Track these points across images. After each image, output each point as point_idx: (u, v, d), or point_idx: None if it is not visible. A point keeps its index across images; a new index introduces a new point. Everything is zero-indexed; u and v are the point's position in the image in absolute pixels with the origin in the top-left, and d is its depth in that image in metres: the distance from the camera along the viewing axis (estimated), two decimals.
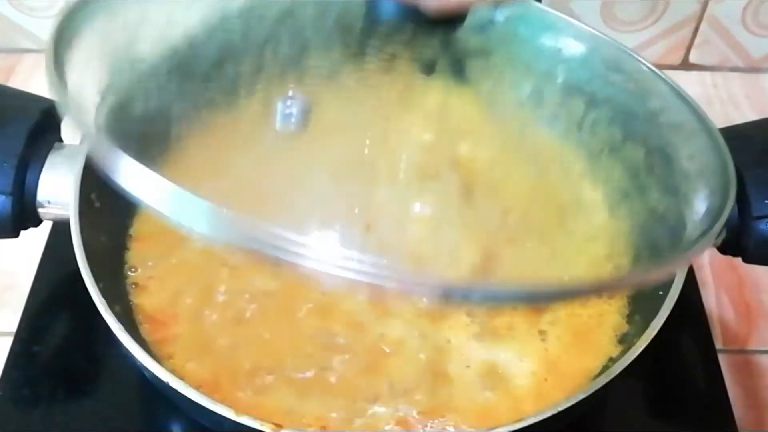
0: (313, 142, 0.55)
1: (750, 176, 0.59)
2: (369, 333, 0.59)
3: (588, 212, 0.58)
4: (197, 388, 0.49)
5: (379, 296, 0.39)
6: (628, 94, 0.58)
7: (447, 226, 0.54)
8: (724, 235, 0.60)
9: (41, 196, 0.59)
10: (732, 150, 0.61)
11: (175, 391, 0.49)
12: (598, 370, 0.57)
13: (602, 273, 0.53)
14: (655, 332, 0.52)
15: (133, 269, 0.61)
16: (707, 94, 0.95)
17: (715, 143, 0.52)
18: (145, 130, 0.47)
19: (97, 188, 0.59)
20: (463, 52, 0.57)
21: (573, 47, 0.59)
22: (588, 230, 0.57)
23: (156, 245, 0.63)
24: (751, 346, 0.73)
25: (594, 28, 0.60)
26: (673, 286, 0.54)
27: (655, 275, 0.46)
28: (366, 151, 0.56)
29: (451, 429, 0.54)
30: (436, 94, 0.58)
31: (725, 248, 0.62)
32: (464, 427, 0.54)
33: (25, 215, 0.59)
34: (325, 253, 0.36)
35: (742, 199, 0.59)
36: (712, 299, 0.76)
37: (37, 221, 0.61)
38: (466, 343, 0.59)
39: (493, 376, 0.57)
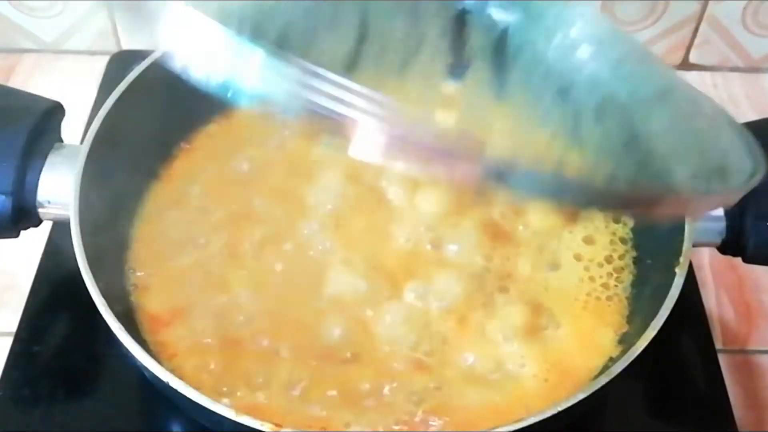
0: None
1: None
2: (371, 332, 0.59)
3: None
4: (197, 388, 0.49)
5: (424, 164, 0.39)
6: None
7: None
8: (724, 235, 0.61)
9: (41, 196, 0.59)
10: None
11: (175, 391, 0.49)
12: (598, 370, 0.57)
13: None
14: (655, 332, 0.52)
15: (133, 269, 0.61)
16: (707, 94, 0.95)
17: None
18: None
19: (97, 188, 0.58)
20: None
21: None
22: None
23: (156, 245, 0.63)
24: (751, 346, 0.73)
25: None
26: (673, 286, 0.54)
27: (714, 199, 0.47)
28: None
29: (452, 429, 0.54)
30: None
31: (725, 248, 0.62)
32: (464, 427, 0.54)
33: (25, 215, 0.59)
34: (382, 108, 0.36)
35: (742, 199, 0.59)
36: (712, 299, 0.76)
37: (37, 221, 0.61)
38: (467, 343, 0.59)
39: (493, 376, 0.57)
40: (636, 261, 0.64)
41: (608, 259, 0.64)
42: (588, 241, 0.65)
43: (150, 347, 0.56)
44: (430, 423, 0.55)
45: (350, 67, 0.53)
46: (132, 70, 0.64)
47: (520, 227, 0.65)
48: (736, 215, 0.60)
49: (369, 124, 0.36)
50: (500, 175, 0.39)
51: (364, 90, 0.35)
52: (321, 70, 0.35)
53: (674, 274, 0.55)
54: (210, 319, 0.59)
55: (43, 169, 0.59)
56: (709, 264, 0.78)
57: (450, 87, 0.60)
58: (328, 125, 0.36)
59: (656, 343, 0.52)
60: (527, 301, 0.61)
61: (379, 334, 0.59)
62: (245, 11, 0.47)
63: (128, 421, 0.61)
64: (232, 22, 0.39)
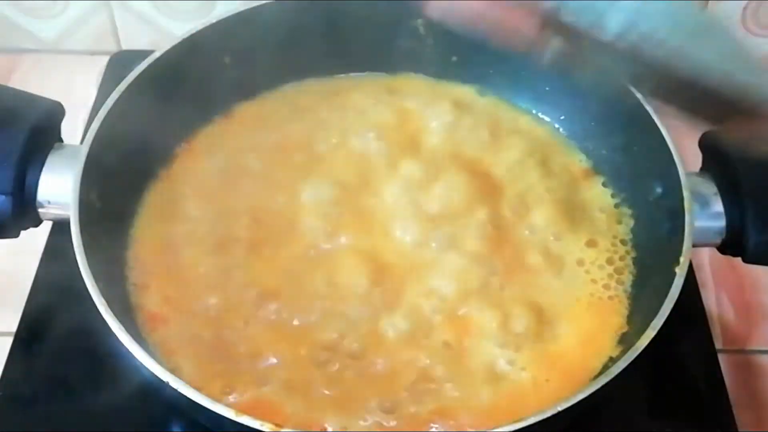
0: None
1: (749, 176, 0.59)
2: (373, 334, 0.59)
3: None
4: (197, 387, 0.49)
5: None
6: None
7: None
8: (724, 235, 0.61)
9: (41, 196, 0.59)
10: (731, 150, 0.61)
11: (175, 391, 0.49)
12: (598, 370, 0.57)
13: None
14: (655, 332, 0.52)
15: (133, 269, 0.61)
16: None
17: None
18: None
19: (97, 188, 0.58)
20: None
21: None
22: None
23: (156, 245, 0.63)
24: (751, 346, 0.73)
25: None
26: (673, 285, 0.54)
27: None
28: None
29: (453, 429, 0.54)
30: None
31: (725, 248, 0.62)
32: (465, 427, 0.54)
33: (25, 215, 0.59)
34: None
35: (741, 200, 0.59)
36: (712, 299, 0.76)
37: (37, 221, 0.61)
38: (468, 344, 0.59)
39: (494, 376, 0.57)
40: (636, 261, 0.64)
41: (610, 261, 0.64)
42: (591, 244, 0.65)
43: (150, 347, 0.56)
44: (432, 423, 0.55)
45: None
46: (132, 70, 0.64)
47: (526, 232, 0.65)
48: (736, 215, 0.60)
49: None
50: None
51: None
52: None
53: (674, 274, 0.55)
54: (210, 319, 0.59)
55: (43, 169, 0.59)
56: (709, 264, 0.78)
57: None
58: None
59: (656, 343, 0.52)
60: (529, 302, 0.61)
61: (381, 335, 0.59)
62: None
63: (128, 421, 0.61)
64: None
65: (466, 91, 0.75)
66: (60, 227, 0.65)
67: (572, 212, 0.67)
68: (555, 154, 0.71)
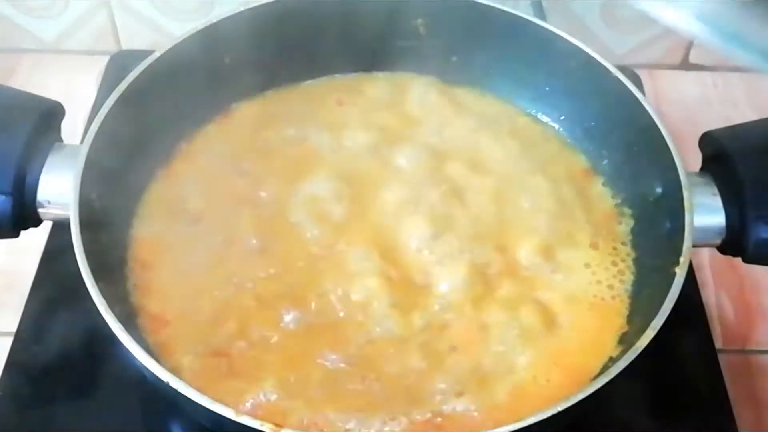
0: None
1: (749, 176, 0.59)
2: (372, 335, 0.59)
3: None
4: (197, 387, 0.49)
5: None
6: None
7: None
8: (724, 235, 0.61)
9: (41, 196, 0.59)
10: (731, 150, 0.61)
11: (175, 391, 0.49)
12: (598, 370, 0.57)
13: None
14: (655, 332, 0.52)
15: (133, 269, 0.61)
16: (707, 94, 0.95)
17: None
18: None
19: (97, 188, 0.58)
20: None
21: None
22: None
23: (156, 245, 0.63)
24: (751, 346, 0.73)
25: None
26: (674, 285, 0.54)
27: None
28: None
29: (454, 429, 0.54)
30: None
31: (725, 248, 0.62)
32: (467, 427, 0.54)
33: (25, 215, 0.59)
34: None
35: (741, 200, 0.59)
36: (712, 299, 0.76)
37: (37, 221, 0.61)
38: (470, 344, 0.59)
39: (494, 376, 0.57)
40: (636, 261, 0.64)
41: (614, 263, 0.64)
42: (592, 245, 0.65)
43: (150, 347, 0.56)
44: (433, 424, 0.55)
45: None
46: (132, 70, 0.64)
47: (527, 232, 0.65)
48: (736, 215, 0.60)
49: None
50: None
51: None
52: None
53: (674, 274, 0.55)
54: (210, 319, 0.59)
55: (43, 169, 0.59)
56: (709, 264, 0.78)
57: None
58: None
59: (656, 343, 0.52)
60: (531, 304, 0.61)
61: (384, 336, 0.59)
62: None
63: (128, 421, 0.61)
64: None
65: (465, 91, 0.75)
66: (60, 227, 0.65)
67: (572, 213, 0.67)
68: (555, 155, 0.71)
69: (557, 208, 0.66)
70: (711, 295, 0.76)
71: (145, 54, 0.65)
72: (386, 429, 0.54)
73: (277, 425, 0.47)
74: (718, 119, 0.91)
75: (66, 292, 0.67)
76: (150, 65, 0.64)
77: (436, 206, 0.65)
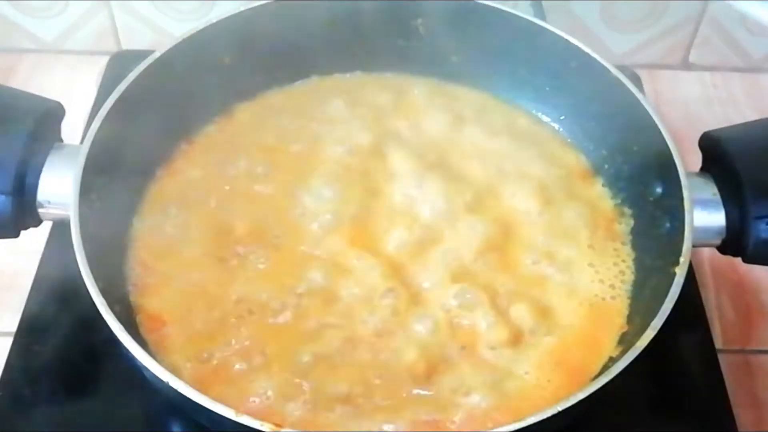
0: None
1: (749, 176, 0.59)
2: (372, 336, 0.59)
3: None
4: (197, 387, 0.49)
5: None
6: None
7: None
8: (724, 235, 0.61)
9: (41, 196, 0.59)
10: (731, 150, 0.61)
11: (175, 391, 0.49)
12: (598, 370, 0.57)
13: None
14: (655, 332, 0.52)
15: (133, 269, 0.61)
16: (707, 94, 0.95)
17: None
18: None
19: (97, 188, 0.58)
20: None
21: None
22: None
23: (156, 245, 0.63)
24: (751, 346, 0.73)
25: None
26: (674, 285, 0.54)
27: None
28: None
29: (455, 429, 0.54)
30: None
31: (725, 248, 0.62)
32: (468, 427, 0.54)
33: (25, 215, 0.59)
34: None
35: (741, 200, 0.59)
36: (712, 299, 0.76)
37: (37, 221, 0.61)
38: (472, 344, 0.59)
39: (495, 376, 0.57)
40: (636, 261, 0.64)
41: (615, 263, 0.64)
42: (593, 245, 0.65)
43: (150, 347, 0.56)
44: (434, 424, 0.55)
45: None
46: (132, 70, 0.64)
47: (528, 233, 0.65)
48: (736, 215, 0.60)
49: None
50: None
51: None
52: None
53: (674, 274, 0.55)
54: (210, 319, 0.59)
55: (43, 169, 0.59)
56: (709, 264, 0.78)
57: None
58: None
59: (656, 343, 0.52)
60: (533, 304, 0.61)
61: (386, 337, 0.59)
62: None
63: (128, 421, 0.61)
64: None
65: (465, 91, 0.75)
66: (60, 227, 0.66)
67: (573, 213, 0.67)
68: (555, 155, 0.71)
69: (557, 209, 0.66)
70: (711, 295, 0.76)
71: (145, 54, 0.65)
72: (386, 429, 0.54)
73: (277, 425, 0.47)
74: (718, 119, 0.91)
75: (66, 292, 0.67)
76: (150, 65, 0.64)
77: (436, 207, 0.65)
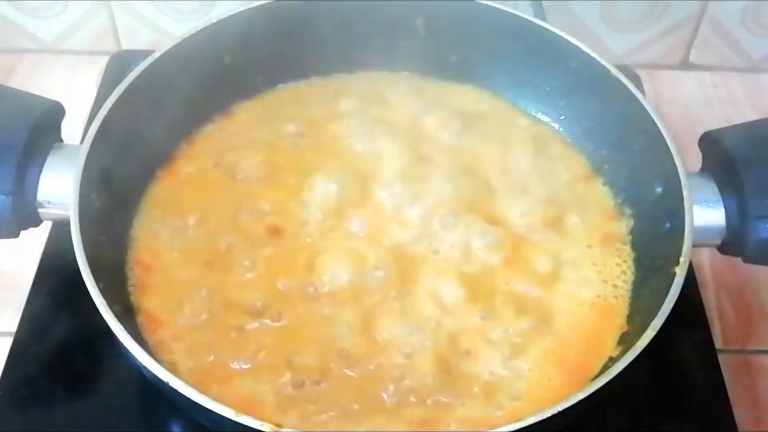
0: None
1: (749, 176, 0.59)
2: (372, 337, 0.59)
3: None
4: (197, 387, 0.49)
5: None
6: None
7: None
8: (724, 235, 0.61)
9: (41, 196, 0.59)
10: (731, 150, 0.61)
11: (175, 391, 0.49)
12: (598, 370, 0.57)
13: None
14: (655, 332, 0.52)
15: (133, 269, 0.61)
16: (707, 94, 0.95)
17: None
18: None
19: (97, 188, 0.58)
20: None
21: None
22: None
23: (156, 246, 0.63)
24: (751, 346, 0.73)
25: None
26: (674, 285, 0.54)
27: None
28: None
29: (456, 428, 0.54)
30: None
31: (725, 248, 0.62)
32: (468, 427, 0.54)
33: (25, 215, 0.59)
34: None
35: (741, 200, 0.59)
36: (712, 299, 0.76)
37: (37, 221, 0.61)
38: (472, 344, 0.59)
39: (497, 376, 0.57)
40: (636, 261, 0.64)
41: (618, 263, 0.64)
42: (593, 245, 0.65)
43: (149, 347, 0.56)
44: (434, 424, 0.55)
45: None
46: (132, 70, 0.64)
47: (528, 233, 0.65)
48: (736, 215, 0.60)
49: None
50: None
51: None
52: None
53: (674, 274, 0.55)
54: (210, 319, 0.59)
55: (43, 169, 0.59)
56: (709, 264, 0.78)
57: None
58: None
59: (656, 343, 0.52)
60: (534, 304, 0.61)
61: (387, 338, 0.58)
62: None
63: (128, 421, 0.61)
64: None
65: (465, 91, 0.75)
66: (60, 227, 0.66)
67: (573, 213, 0.67)
68: (555, 155, 0.71)
69: (558, 209, 0.66)
70: (711, 295, 0.76)
71: (145, 54, 0.65)
72: (386, 429, 0.54)
73: (277, 425, 0.47)
74: (718, 119, 0.91)
75: (66, 292, 0.67)
76: (150, 65, 0.64)
77: (435, 207, 0.65)
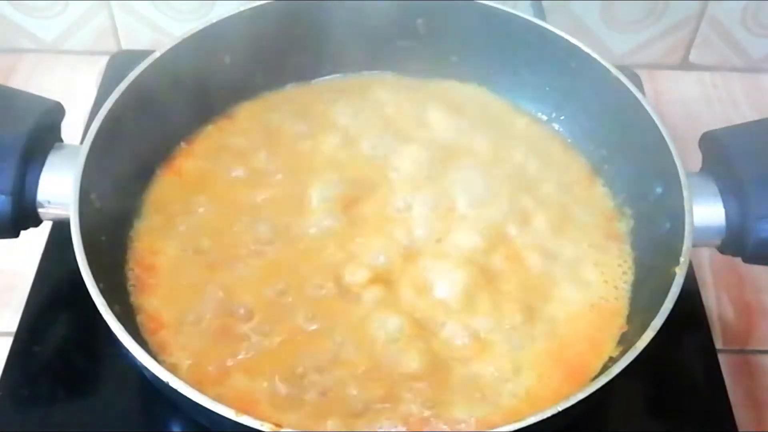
0: None
1: (749, 176, 0.59)
2: (372, 338, 0.59)
3: None
4: (197, 387, 0.49)
5: None
6: None
7: None
8: (724, 235, 0.61)
9: (41, 196, 0.59)
10: (731, 150, 0.61)
11: (175, 391, 0.49)
12: (598, 370, 0.57)
13: None
14: (654, 332, 0.52)
15: (133, 269, 0.61)
16: (707, 94, 0.95)
17: None
18: None
19: (97, 188, 0.58)
20: None
21: None
22: None
23: (156, 245, 0.63)
24: (751, 346, 0.73)
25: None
26: (673, 285, 0.54)
27: None
28: None
29: (454, 429, 0.54)
30: None
31: (725, 248, 0.62)
32: (465, 427, 0.54)
33: (25, 215, 0.59)
34: None
35: (741, 200, 0.59)
36: (712, 299, 0.76)
37: (37, 221, 0.61)
38: (473, 343, 0.59)
39: (496, 376, 0.57)
40: (636, 261, 0.64)
41: (619, 264, 0.64)
42: (593, 245, 0.65)
43: (150, 347, 0.56)
44: (435, 424, 0.55)
45: None
46: (132, 70, 0.64)
47: (528, 234, 0.65)
48: (736, 215, 0.60)
49: None
50: None
51: None
52: None
53: (674, 274, 0.55)
54: (210, 319, 0.59)
55: (43, 169, 0.59)
56: (709, 264, 0.78)
57: None
58: None
59: (656, 343, 0.52)
60: (534, 304, 0.61)
61: (386, 339, 0.58)
62: None
63: (128, 421, 0.61)
64: None
65: (465, 91, 0.75)
66: (60, 227, 0.66)
67: (573, 213, 0.67)
68: (555, 155, 0.71)
69: (558, 209, 0.66)
70: (711, 295, 0.76)
71: (145, 54, 0.65)
72: (386, 429, 0.54)
73: (277, 425, 0.47)
74: (718, 119, 0.91)
75: (66, 292, 0.67)
76: (150, 65, 0.64)
77: (437, 207, 0.65)
